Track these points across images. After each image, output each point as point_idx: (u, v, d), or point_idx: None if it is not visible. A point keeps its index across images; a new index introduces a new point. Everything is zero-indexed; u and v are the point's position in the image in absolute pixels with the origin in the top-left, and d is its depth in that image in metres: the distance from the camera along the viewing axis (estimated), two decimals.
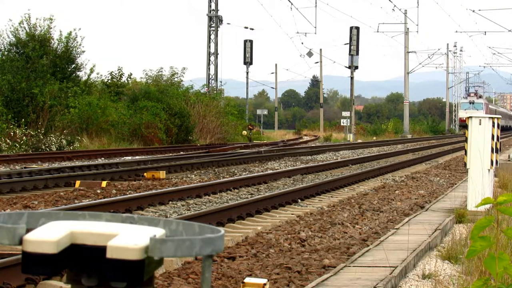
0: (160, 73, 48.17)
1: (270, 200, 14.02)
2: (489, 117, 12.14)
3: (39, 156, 26.34)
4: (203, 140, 45.52)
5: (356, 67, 68.30)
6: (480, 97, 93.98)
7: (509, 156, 27.76)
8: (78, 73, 40.71)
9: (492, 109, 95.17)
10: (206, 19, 55.39)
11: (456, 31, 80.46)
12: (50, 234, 1.80)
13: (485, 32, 75.99)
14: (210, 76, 55.53)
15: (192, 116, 44.23)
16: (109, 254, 1.78)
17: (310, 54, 73.39)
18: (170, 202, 14.09)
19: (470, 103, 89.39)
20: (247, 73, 77.24)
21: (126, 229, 1.86)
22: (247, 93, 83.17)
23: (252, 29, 69.13)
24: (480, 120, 12.07)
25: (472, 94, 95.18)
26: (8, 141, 30.47)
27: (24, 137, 31.20)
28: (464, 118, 77.49)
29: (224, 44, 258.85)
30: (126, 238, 1.80)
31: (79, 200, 14.25)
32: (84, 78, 41.23)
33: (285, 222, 11.99)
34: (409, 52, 76.20)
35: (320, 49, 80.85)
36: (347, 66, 68.55)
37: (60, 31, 40.39)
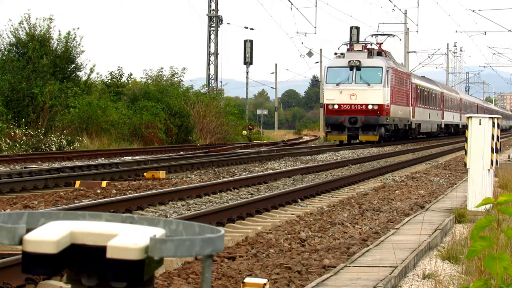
0: (160, 73, 48.19)
1: (270, 200, 14.02)
2: (489, 117, 12.13)
3: (39, 156, 26.34)
4: (203, 140, 45.53)
5: None
6: (381, 54, 46.09)
7: (509, 156, 27.75)
8: (78, 73, 40.74)
9: (403, 81, 49.13)
10: (206, 19, 55.38)
11: (456, 31, 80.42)
12: (50, 234, 1.80)
13: (485, 32, 75.94)
14: (210, 76, 55.54)
15: (192, 116, 44.23)
16: (109, 254, 1.78)
17: (310, 54, 73.41)
18: (170, 202, 14.09)
19: (350, 68, 43.74)
20: (247, 73, 77.24)
21: (126, 229, 1.86)
22: (247, 93, 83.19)
23: (252, 29, 69.18)
24: (480, 120, 12.06)
25: (353, 48, 45.61)
26: (8, 141, 30.47)
27: (24, 137, 31.20)
28: (334, 107, 43.64)
29: (224, 44, 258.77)
30: (126, 238, 1.80)
31: (79, 200, 14.25)
32: (84, 78, 41.26)
33: (285, 222, 11.99)
34: (409, 52, 76.13)
35: (320, 49, 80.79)
36: None
37: (59, 31, 40.44)
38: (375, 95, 43.73)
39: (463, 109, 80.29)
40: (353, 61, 44.19)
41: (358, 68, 44.24)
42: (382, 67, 44.53)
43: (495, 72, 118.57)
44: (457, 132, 77.68)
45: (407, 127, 51.25)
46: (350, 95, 43.82)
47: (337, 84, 44.10)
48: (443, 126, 67.17)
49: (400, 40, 58.20)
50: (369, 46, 47.03)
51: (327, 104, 44.26)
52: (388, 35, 53.88)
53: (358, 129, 43.90)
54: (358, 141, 45.29)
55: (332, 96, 44.20)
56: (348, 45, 47.00)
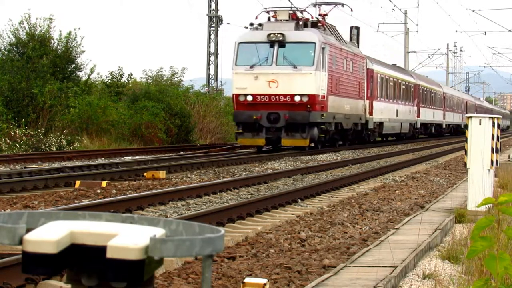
0: (160, 73, 48.18)
1: (270, 200, 14.02)
2: (489, 117, 12.13)
3: (39, 156, 26.34)
4: (203, 140, 45.52)
5: None
6: (316, 25, 34.11)
7: (509, 156, 27.76)
8: (78, 73, 40.75)
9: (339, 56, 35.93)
10: (206, 19, 55.40)
11: (456, 31, 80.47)
12: (50, 234, 1.80)
13: (485, 32, 75.98)
14: (210, 76, 55.54)
15: (192, 116, 44.23)
16: (109, 254, 1.78)
17: None
18: (170, 202, 14.09)
19: (271, 44, 32.05)
20: None
21: (126, 229, 1.86)
22: None
23: None
24: (480, 120, 12.06)
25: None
26: (8, 141, 30.47)
27: (24, 137, 31.21)
28: (247, 98, 31.89)
29: (224, 44, 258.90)
30: (126, 238, 1.80)
31: (79, 200, 14.24)
32: (84, 78, 41.27)
33: (285, 222, 11.99)
34: (409, 52, 76.15)
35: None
36: None
37: (60, 31, 40.43)
38: (304, 82, 31.56)
39: (447, 106, 68.36)
40: (275, 34, 31.65)
41: (282, 44, 31.75)
42: (315, 43, 31.88)
43: (495, 72, 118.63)
44: (440, 134, 65.55)
45: (360, 127, 39.87)
46: (269, 82, 31.55)
47: (251, 67, 31.76)
48: (418, 125, 55.73)
49: (352, 10, 43.78)
50: (299, 14, 33.66)
51: (237, 95, 31.83)
52: (335, 4, 39.77)
53: (280, 129, 31.64)
54: (284, 146, 33.60)
55: (244, 83, 31.77)
56: (270, 12, 33.49)
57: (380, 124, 43.95)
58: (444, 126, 66.16)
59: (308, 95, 31.57)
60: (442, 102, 66.08)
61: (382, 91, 44.77)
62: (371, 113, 41.46)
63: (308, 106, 31.52)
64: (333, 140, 36.59)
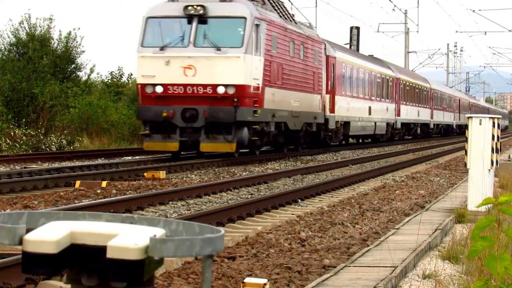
0: None
1: (270, 200, 14.02)
2: (489, 117, 12.14)
3: (39, 156, 26.34)
4: None
5: None
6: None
7: (509, 156, 27.77)
8: (78, 73, 40.77)
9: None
10: None
11: (456, 31, 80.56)
12: (50, 234, 1.80)
13: (485, 32, 76.05)
14: None
15: None
16: (109, 254, 1.78)
17: None
18: (170, 202, 14.09)
19: (188, 20, 25.00)
20: None
21: (126, 229, 1.86)
22: None
23: None
24: (481, 120, 12.07)
25: None
26: (8, 141, 30.48)
27: (24, 137, 31.21)
28: (156, 90, 24.75)
29: None
30: (126, 238, 1.80)
31: (79, 200, 14.24)
32: (84, 78, 41.28)
33: (285, 222, 11.99)
34: (409, 52, 76.17)
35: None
36: None
37: (60, 31, 40.47)
38: (230, 68, 24.59)
39: (435, 104, 61.66)
40: (193, 6, 24.90)
41: (202, 19, 24.89)
42: (245, 18, 24.86)
43: (495, 72, 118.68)
44: (428, 134, 58.78)
45: (316, 127, 32.76)
46: (184, 68, 24.68)
47: (162, 49, 24.84)
48: (398, 125, 48.63)
49: None
50: None
51: (143, 85, 24.91)
52: None
53: (199, 130, 24.62)
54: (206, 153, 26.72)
55: (152, 70, 24.80)
56: None
57: (346, 123, 36.97)
58: (432, 126, 59.36)
59: (235, 86, 24.43)
60: (430, 99, 59.35)
61: (349, 84, 37.93)
62: (332, 111, 34.45)
63: (235, 100, 24.31)
64: (278, 145, 30.12)
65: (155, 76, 24.81)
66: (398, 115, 48.47)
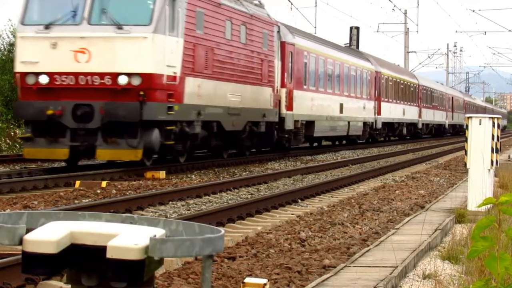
0: None
1: (270, 200, 14.02)
2: (489, 117, 12.13)
3: None
4: None
5: None
6: None
7: (509, 156, 27.77)
8: None
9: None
10: None
11: (456, 31, 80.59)
12: (50, 234, 1.80)
13: (485, 32, 76.08)
14: None
15: None
16: (109, 254, 1.78)
17: None
18: (170, 202, 14.09)
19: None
20: None
21: (126, 229, 1.85)
22: None
23: None
24: (480, 120, 12.06)
25: None
26: (8, 141, 30.47)
27: None
28: (39, 80, 18.86)
29: None
30: (126, 238, 1.80)
31: (79, 200, 14.24)
32: None
33: (285, 222, 11.99)
34: (409, 52, 76.17)
35: None
36: None
37: None
38: (135, 52, 19.23)
39: (424, 102, 56.00)
40: None
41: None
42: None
43: (495, 72, 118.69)
44: (416, 135, 53.79)
45: (266, 127, 27.11)
46: (76, 52, 19.30)
47: (47, 27, 19.43)
48: (379, 125, 43.23)
49: None
50: None
51: (23, 74, 19.55)
52: None
53: (95, 133, 19.17)
54: (105, 161, 21.86)
55: (34, 55, 19.50)
56: None
57: (309, 123, 31.42)
58: (420, 126, 54.04)
59: (140, 75, 18.99)
60: (418, 96, 53.89)
61: (313, 77, 32.34)
62: (290, 108, 28.82)
63: (142, 93, 18.89)
64: (214, 148, 24.78)
65: (39, 63, 19.37)
66: (379, 113, 43.06)
